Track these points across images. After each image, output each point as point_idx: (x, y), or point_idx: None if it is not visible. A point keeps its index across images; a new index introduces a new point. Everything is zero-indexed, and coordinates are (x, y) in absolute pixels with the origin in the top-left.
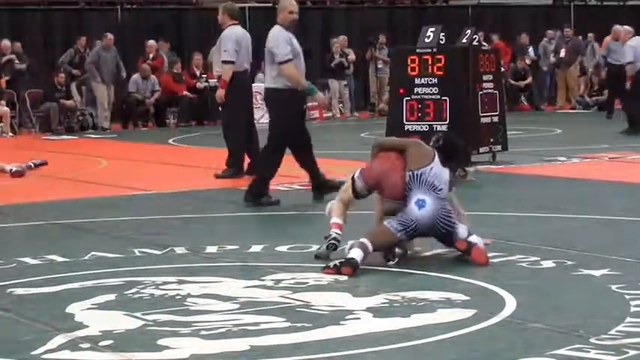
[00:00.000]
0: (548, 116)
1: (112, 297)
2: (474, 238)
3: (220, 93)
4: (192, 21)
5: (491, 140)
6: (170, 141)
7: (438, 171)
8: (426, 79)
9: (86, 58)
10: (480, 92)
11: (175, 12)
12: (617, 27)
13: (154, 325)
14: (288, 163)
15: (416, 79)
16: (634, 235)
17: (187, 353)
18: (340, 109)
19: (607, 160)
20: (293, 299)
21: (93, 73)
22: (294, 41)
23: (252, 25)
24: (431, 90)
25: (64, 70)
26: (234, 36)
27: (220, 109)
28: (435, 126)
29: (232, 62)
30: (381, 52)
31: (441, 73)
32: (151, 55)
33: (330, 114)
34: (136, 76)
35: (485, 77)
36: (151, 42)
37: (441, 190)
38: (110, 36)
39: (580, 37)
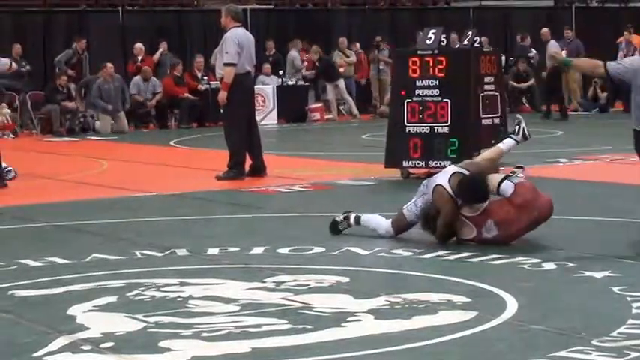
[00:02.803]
0: (549, 118)
1: (113, 299)
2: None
3: (222, 95)
4: (194, 23)
5: (493, 142)
6: (171, 143)
7: None
8: (427, 80)
9: (83, 61)
10: (481, 94)
11: (177, 14)
12: None
13: (155, 327)
14: (289, 165)
15: (417, 81)
16: (635, 236)
17: (188, 355)
18: (341, 111)
19: (608, 161)
20: (294, 301)
21: (99, 104)
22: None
23: (252, 27)
24: (432, 92)
25: (59, 68)
26: (236, 38)
27: (222, 110)
28: (435, 128)
29: (234, 64)
30: (383, 53)
31: (442, 74)
32: (140, 58)
33: (331, 116)
34: (137, 78)
35: (486, 79)
36: (138, 45)
37: None
38: (110, 65)
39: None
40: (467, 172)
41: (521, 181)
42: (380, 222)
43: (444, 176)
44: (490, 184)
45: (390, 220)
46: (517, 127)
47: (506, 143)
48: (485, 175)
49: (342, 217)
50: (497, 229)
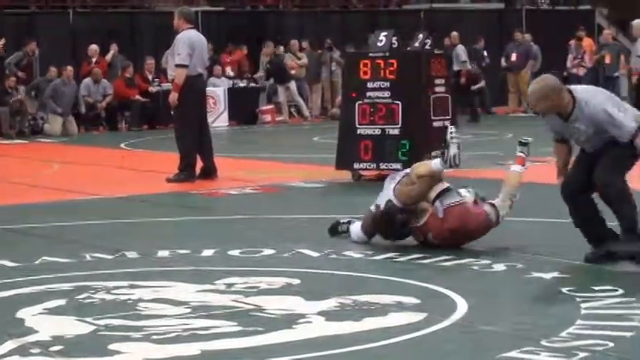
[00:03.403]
0: (499, 120)
1: (62, 302)
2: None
3: (173, 97)
4: (145, 25)
5: (443, 144)
6: (122, 145)
7: None
8: (378, 83)
9: (33, 63)
10: (432, 96)
11: (128, 16)
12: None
13: (104, 330)
14: (240, 167)
15: (368, 83)
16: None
17: (138, 358)
18: (292, 113)
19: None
20: (245, 303)
21: (50, 106)
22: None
23: (203, 29)
24: (383, 94)
25: (9, 70)
26: (187, 40)
27: (172, 112)
28: (386, 130)
29: (185, 66)
30: (334, 56)
31: (393, 77)
32: (94, 60)
33: (282, 118)
34: (87, 80)
35: (437, 81)
36: (93, 46)
37: None
38: (70, 69)
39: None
40: (395, 203)
41: (451, 204)
42: (354, 228)
43: (387, 193)
44: (430, 193)
45: (360, 224)
46: (443, 152)
47: (437, 164)
48: (406, 209)
49: (345, 220)
50: (436, 242)
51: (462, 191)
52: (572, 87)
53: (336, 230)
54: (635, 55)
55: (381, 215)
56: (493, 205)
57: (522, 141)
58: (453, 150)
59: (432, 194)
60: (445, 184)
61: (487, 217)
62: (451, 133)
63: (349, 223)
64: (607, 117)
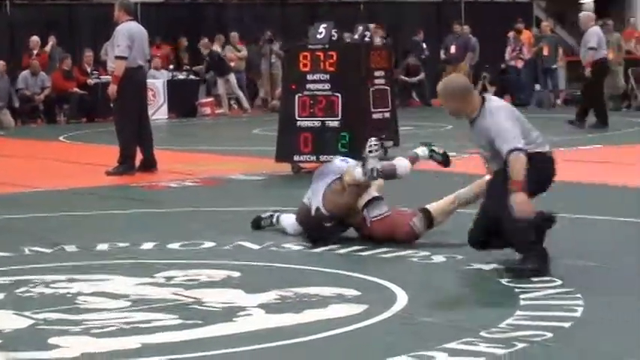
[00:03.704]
0: (439, 112)
1: (0, 296)
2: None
3: (112, 89)
4: (84, 17)
5: (383, 136)
6: (60, 138)
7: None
8: (318, 75)
9: None
10: (372, 88)
11: (67, 7)
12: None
13: (43, 324)
14: (180, 160)
15: (308, 75)
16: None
17: (78, 352)
18: (232, 105)
19: None
20: (185, 296)
21: None
22: None
23: (143, 21)
24: (323, 86)
25: None
26: (127, 32)
27: (112, 105)
28: (326, 122)
29: (125, 58)
30: (274, 48)
31: (332, 69)
32: (35, 52)
33: (222, 110)
34: (25, 73)
35: (376, 73)
36: (34, 38)
37: None
38: (2, 63)
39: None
40: (323, 212)
41: (376, 217)
42: (288, 221)
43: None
44: (359, 201)
45: (294, 216)
46: (363, 164)
47: (359, 173)
48: (335, 216)
49: (267, 215)
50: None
51: (418, 150)
52: (489, 96)
53: (260, 225)
54: (585, 47)
55: (308, 223)
56: (427, 213)
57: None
58: (372, 163)
59: (361, 202)
60: (374, 193)
61: (412, 229)
62: (370, 146)
63: (271, 217)
64: (496, 132)
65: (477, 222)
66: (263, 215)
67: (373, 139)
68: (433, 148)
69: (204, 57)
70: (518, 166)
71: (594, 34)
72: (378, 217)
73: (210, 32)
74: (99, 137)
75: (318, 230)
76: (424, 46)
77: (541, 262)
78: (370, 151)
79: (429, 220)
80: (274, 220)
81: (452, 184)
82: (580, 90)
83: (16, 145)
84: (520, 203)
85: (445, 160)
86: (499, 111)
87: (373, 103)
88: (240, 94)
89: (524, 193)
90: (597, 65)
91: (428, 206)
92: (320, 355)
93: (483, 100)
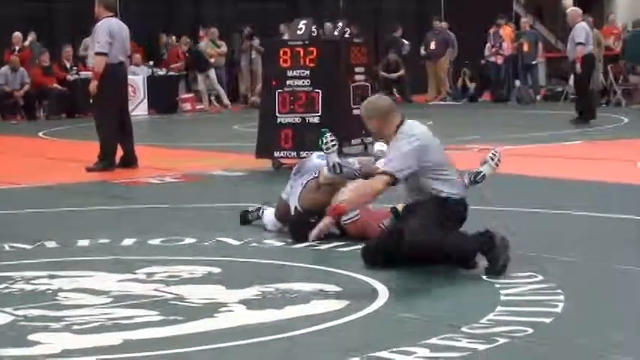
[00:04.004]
0: (419, 108)
1: None
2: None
3: (93, 85)
4: (64, 12)
5: (364, 132)
6: (40, 134)
7: None
8: (298, 71)
9: None
10: (352, 84)
11: (46, 3)
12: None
13: (24, 321)
14: (161, 156)
15: (288, 72)
16: (502, 224)
17: (59, 348)
18: (212, 102)
19: (476, 151)
20: (166, 292)
21: None
22: None
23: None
24: (303, 82)
25: None
26: (107, 28)
27: (92, 101)
28: (307, 118)
29: (105, 54)
30: (254, 44)
31: (313, 65)
32: (17, 48)
33: (202, 106)
34: (4, 69)
35: (357, 69)
36: (17, 34)
37: None
38: None
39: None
40: (298, 208)
41: (349, 220)
42: (269, 218)
43: (293, 199)
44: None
45: (273, 212)
46: (329, 163)
47: (325, 172)
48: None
49: (254, 208)
50: None
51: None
52: (409, 121)
53: (247, 219)
54: (573, 42)
55: (293, 222)
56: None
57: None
58: (332, 158)
59: (334, 202)
60: (343, 197)
61: (381, 229)
62: (326, 143)
63: (258, 210)
64: (391, 153)
65: (381, 244)
66: (250, 209)
67: (328, 134)
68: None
69: (184, 53)
70: (358, 196)
71: (582, 29)
72: (349, 221)
73: (188, 28)
74: (79, 133)
75: (303, 227)
76: (405, 42)
77: (501, 251)
78: (327, 148)
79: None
80: (260, 213)
81: None
82: (573, 86)
83: None
84: (322, 227)
85: None
86: (405, 137)
87: (353, 99)
88: (221, 89)
89: (332, 221)
90: (585, 60)
91: (398, 205)
92: (301, 350)
93: (402, 122)
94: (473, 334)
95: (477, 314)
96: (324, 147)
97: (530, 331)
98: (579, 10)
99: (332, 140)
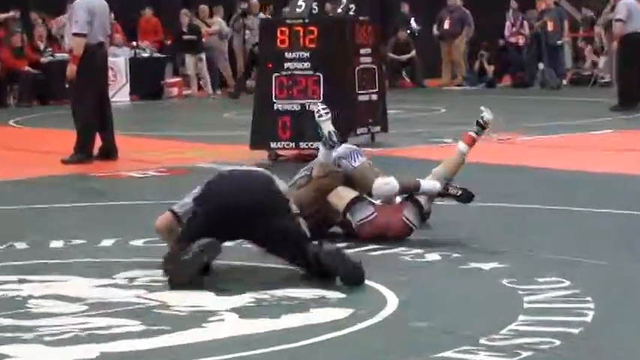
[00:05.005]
0: (432, 94)
1: None
2: None
3: (71, 69)
4: None
5: (370, 120)
6: (10, 122)
7: None
8: (297, 53)
9: None
10: (357, 67)
11: None
12: None
13: None
14: (144, 147)
15: (286, 53)
16: (523, 223)
17: None
18: (200, 85)
19: (496, 141)
20: (149, 299)
21: None
22: None
23: None
24: (303, 65)
25: None
26: (86, 5)
27: (68, 86)
28: (307, 105)
29: (84, 35)
30: (248, 22)
31: (313, 46)
32: None
33: (190, 91)
34: None
35: (362, 51)
36: None
37: None
38: None
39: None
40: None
41: (362, 220)
42: None
43: None
44: (338, 203)
45: None
46: (324, 133)
47: (321, 153)
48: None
49: None
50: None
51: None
52: None
53: None
54: (613, 19)
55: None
56: (416, 203)
57: (480, 121)
58: (327, 127)
59: (340, 204)
60: (353, 193)
61: (405, 223)
62: (318, 111)
63: None
64: None
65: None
66: None
67: (319, 103)
68: None
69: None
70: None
71: (624, 4)
72: (364, 220)
73: (179, 6)
74: (53, 121)
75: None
76: (413, 23)
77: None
78: (320, 116)
79: (419, 207)
80: None
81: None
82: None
83: None
84: None
85: None
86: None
87: (359, 83)
88: (207, 76)
89: None
90: (626, 40)
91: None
92: None
93: None
94: (493, 347)
95: (498, 324)
96: (316, 115)
97: (557, 342)
98: None
99: (324, 108)
